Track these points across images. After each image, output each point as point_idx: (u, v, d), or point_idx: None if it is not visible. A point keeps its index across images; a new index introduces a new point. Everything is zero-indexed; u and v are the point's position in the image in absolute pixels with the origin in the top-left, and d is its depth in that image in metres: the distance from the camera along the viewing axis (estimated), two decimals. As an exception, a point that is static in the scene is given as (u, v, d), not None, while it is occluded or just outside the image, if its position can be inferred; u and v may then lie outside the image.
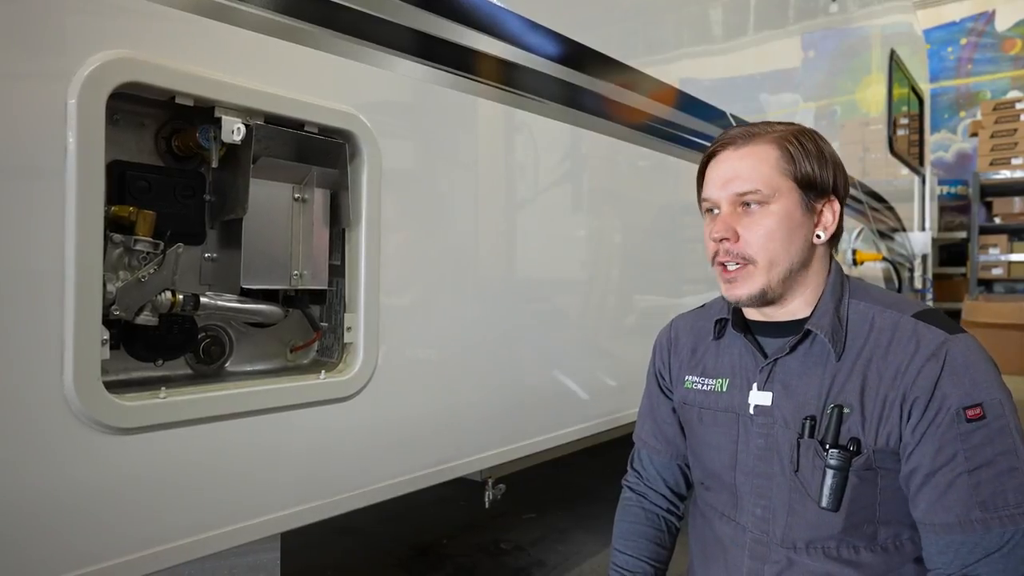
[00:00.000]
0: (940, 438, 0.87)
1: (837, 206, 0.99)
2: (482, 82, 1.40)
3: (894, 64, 4.13)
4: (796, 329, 0.98)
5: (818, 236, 0.98)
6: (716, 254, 0.99)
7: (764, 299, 0.97)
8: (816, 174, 0.96)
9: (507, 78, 1.45)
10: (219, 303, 1.01)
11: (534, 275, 1.62)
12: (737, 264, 0.97)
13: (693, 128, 2.11)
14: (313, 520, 1.12)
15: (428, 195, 1.33)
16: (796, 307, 0.99)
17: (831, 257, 1.02)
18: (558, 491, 3.02)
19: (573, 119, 1.65)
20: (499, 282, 1.52)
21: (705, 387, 1.08)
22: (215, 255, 1.08)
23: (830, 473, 0.90)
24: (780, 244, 0.95)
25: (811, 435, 0.93)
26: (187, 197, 1.03)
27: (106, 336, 0.88)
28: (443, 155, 1.37)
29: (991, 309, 4.63)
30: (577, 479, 3.14)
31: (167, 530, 0.94)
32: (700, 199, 1.03)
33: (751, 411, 1.00)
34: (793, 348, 0.98)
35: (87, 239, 0.84)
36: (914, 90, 4.69)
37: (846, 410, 0.92)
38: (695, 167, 1.05)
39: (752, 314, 1.04)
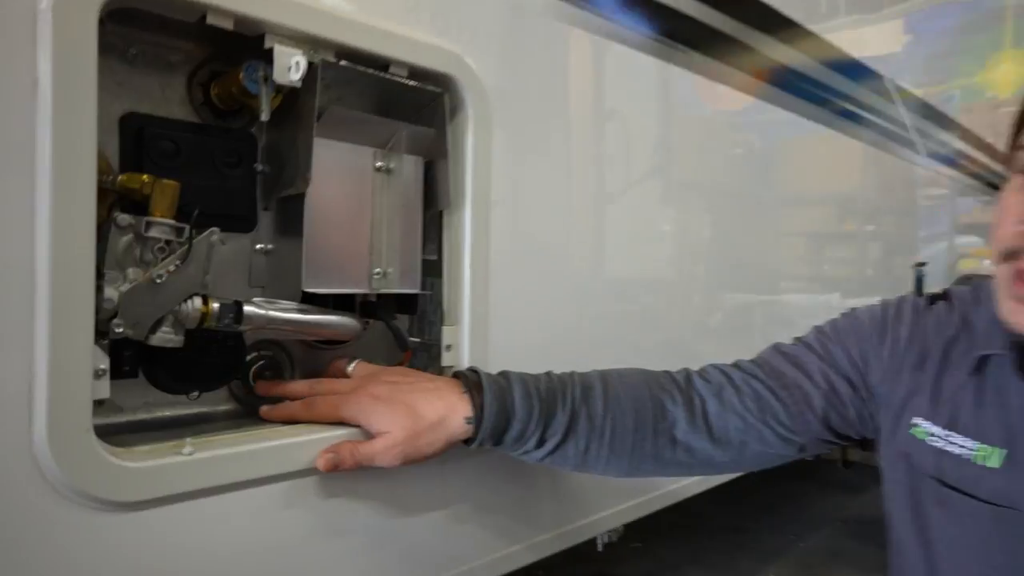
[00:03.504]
0: None
1: None
2: (628, 27, 1.05)
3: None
4: None
5: None
6: (1009, 254, 0.63)
7: None
8: None
9: (664, 24, 1.10)
10: (272, 313, 0.72)
11: (696, 279, 1.27)
12: None
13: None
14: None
15: (553, 168, 1.00)
16: None
17: None
18: (669, 517, 2.65)
19: (730, 79, 1.28)
20: (645, 288, 1.17)
21: (956, 450, 0.69)
22: (268, 246, 0.79)
23: None
24: None
25: None
26: (230, 166, 0.74)
27: (103, 365, 0.59)
28: (575, 116, 1.04)
29: None
30: (690, 505, 2.76)
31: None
32: (1015, 144, 0.65)
33: None
34: None
35: (69, 220, 0.55)
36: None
37: None
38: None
39: None
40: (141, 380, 0.71)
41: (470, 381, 0.75)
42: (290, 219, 0.77)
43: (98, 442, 0.58)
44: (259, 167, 0.77)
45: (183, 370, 0.71)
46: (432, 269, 0.88)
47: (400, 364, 0.84)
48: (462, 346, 0.86)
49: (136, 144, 0.68)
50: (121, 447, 0.61)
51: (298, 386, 0.76)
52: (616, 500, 1.10)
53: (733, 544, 2.54)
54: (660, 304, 1.27)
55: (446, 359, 0.86)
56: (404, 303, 0.86)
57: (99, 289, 0.60)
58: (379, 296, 0.83)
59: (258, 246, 0.78)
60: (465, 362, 0.86)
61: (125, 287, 0.61)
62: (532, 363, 0.83)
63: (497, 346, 0.89)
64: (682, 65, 1.20)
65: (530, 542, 0.95)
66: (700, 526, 2.59)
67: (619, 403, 0.78)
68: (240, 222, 0.76)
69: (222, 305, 0.67)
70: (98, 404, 0.65)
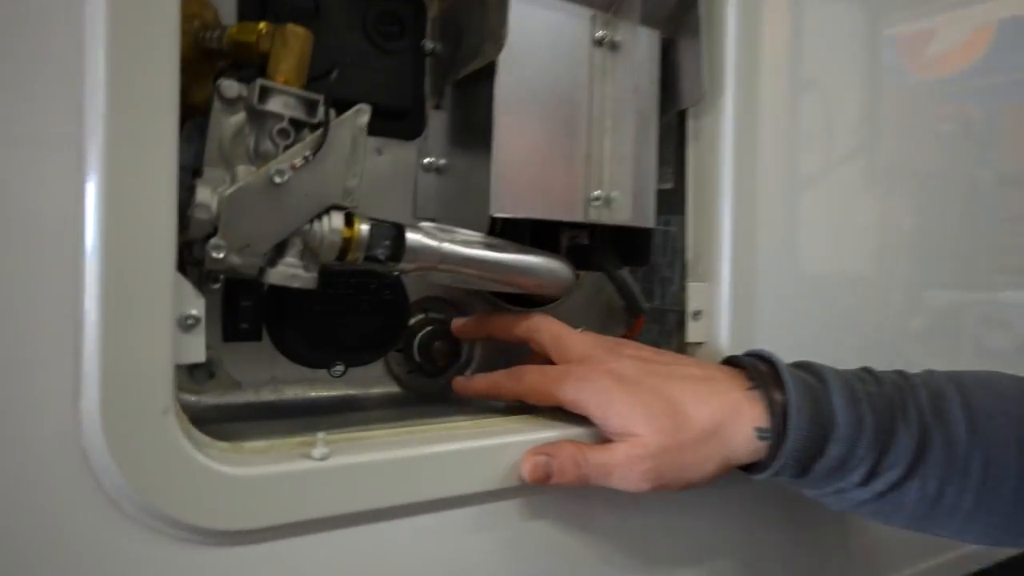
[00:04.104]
0: None
1: None
2: None
3: None
4: None
5: None
6: None
7: None
8: None
9: None
10: (447, 246, 0.47)
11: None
12: None
13: None
14: None
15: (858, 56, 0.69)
16: None
17: None
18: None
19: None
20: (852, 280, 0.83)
21: None
22: (440, 161, 0.55)
23: None
24: None
25: None
26: (389, 37, 0.51)
27: (195, 310, 0.37)
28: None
29: None
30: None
31: None
32: None
33: None
34: None
35: (134, 76, 0.34)
36: None
37: None
38: None
39: None
40: (268, 346, 0.49)
41: (759, 372, 0.47)
42: (472, 118, 0.53)
43: (183, 431, 0.36)
44: (429, 45, 0.53)
45: (322, 332, 0.49)
46: (669, 201, 0.60)
47: (629, 336, 0.57)
48: (719, 314, 0.57)
49: (259, -1, 0.47)
50: (223, 441, 0.39)
51: (500, 322, 0.52)
52: (917, 556, 0.76)
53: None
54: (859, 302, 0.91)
55: (692, 332, 0.57)
56: (628, 249, 0.59)
57: (188, 191, 0.38)
58: (595, 231, 0.57)
59: (426, 160, 0.54)
60: (723, 338, 0.57)
61: (229, 191, 0.39)
62: (806, 348, 0.53)
63: (767, 318, 0.59)
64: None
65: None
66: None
67: (991, 424, 0.47)
68: (401, 121, 0.53)
69: (375, 226, 0.43)
70: (200, 374, 0.44)
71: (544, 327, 0.50)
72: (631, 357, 0.47)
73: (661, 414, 0.44)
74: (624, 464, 0.43)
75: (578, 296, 0.62)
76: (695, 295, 0.57)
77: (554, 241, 0.57)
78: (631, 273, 0.56)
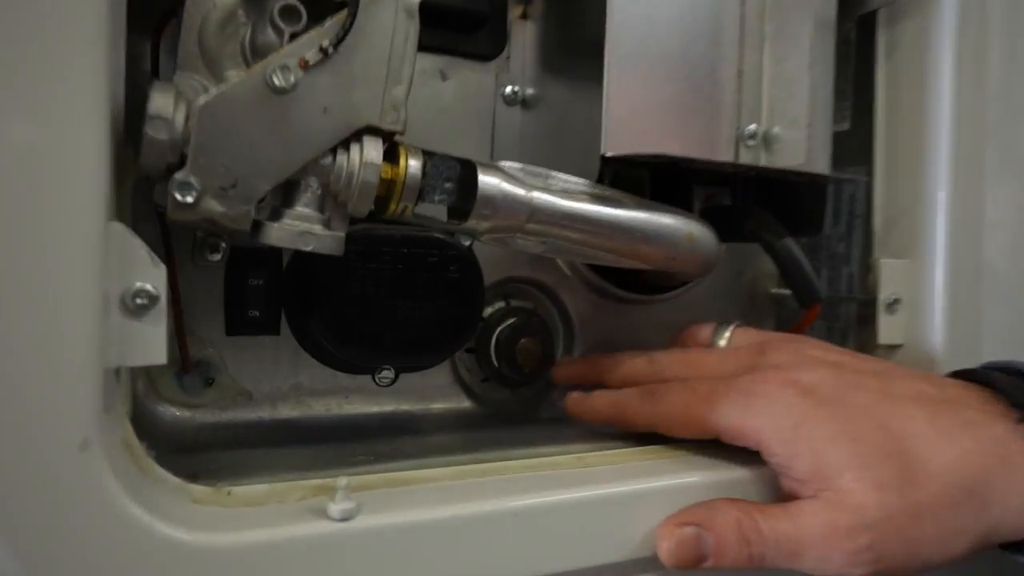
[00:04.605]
0: None
1: None
2: None
3: None
4: None
5: None
6: None
7: None
8: None
9: None
10: (539, 196, 0.32)
11: None
12: None
13: None
14: None
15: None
16: None
17: None
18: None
19: None
20: None
21: None
22: (528, 91, 0.40)
23: None
24: None
25: None
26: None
27: (150, 285, 0.24)
28: None
29: None
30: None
31: None
32: None
33: None
34: None
35: None
36: None
37: None
38: None
39: None
40: (289, 342, 0.36)
41: None
42: (574, 27, 0.38)
43: (119, 474, 0.23)
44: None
45: (363, 324, 0.35)
46: (848, 143, 0.43)
47: (799, 327, 0.40)
48: (927, 303, 0.39)
49: None
50: (206, 483, 0.26)
51: (634, 363, 0.36)
52: None
53: None
54: None
55: (886, 330, 0.40)
56: (788, 213, 0.42)
57: (135, 97, 0.25)
58: (744, 182, 0.40)
59: (509, 88, 0.40)
60: (936, 339, 0.39)
61: (204, 99, 0.25)
62: None
63: (998, 311, 0.41)
64: None
65: None
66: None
67: None
68: (474, 34, 0.38)
69: (430, 160, 0.29)
70: (192, 381, 0.31)
71: (670, 364, 0.35)
72: (822, 363, 0.31)
73: (882, 455, 0.28)
74: (824, 539, 0.27)
75: (710, 279, 0.46)
76: (890, 277, 0.40)
77: (684, 201, 0.41)
78: (801, 240, 0.39)
